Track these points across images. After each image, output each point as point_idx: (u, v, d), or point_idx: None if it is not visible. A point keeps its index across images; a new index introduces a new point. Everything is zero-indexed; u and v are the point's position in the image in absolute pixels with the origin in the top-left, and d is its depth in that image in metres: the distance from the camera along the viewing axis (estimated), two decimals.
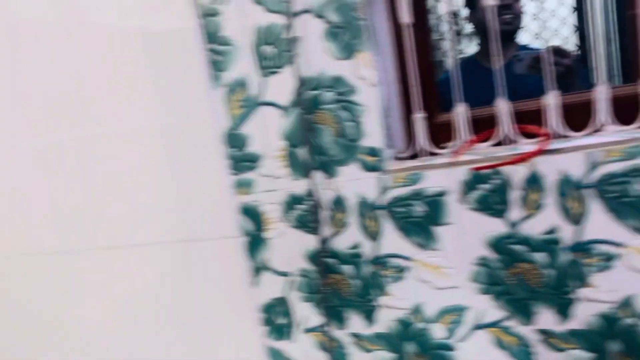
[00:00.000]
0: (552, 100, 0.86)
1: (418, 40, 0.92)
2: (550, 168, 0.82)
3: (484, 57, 1.39)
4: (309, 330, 1.03)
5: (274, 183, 0.99)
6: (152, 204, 1.09)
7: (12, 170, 1.19)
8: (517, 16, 1.36)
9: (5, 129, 1.17)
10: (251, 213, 1.01)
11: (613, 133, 0.83)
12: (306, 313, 1.03)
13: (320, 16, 0.89)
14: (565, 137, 0.86)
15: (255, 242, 1.03)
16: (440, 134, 0.95)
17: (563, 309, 0.86)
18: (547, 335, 0.88)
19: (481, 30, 1.42)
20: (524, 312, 0.89)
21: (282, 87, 0.94)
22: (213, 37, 0.96)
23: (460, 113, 0.91)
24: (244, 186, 1.01)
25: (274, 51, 0.93)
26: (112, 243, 1.14)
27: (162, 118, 1.03)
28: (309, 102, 0.93)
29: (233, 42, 0.95)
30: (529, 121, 0.89)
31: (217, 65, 0.97)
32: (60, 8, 1.06)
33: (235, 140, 0.99)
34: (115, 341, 1.21)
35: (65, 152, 1.13)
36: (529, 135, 0.88)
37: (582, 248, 0.83)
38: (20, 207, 1.21)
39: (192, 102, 1.00)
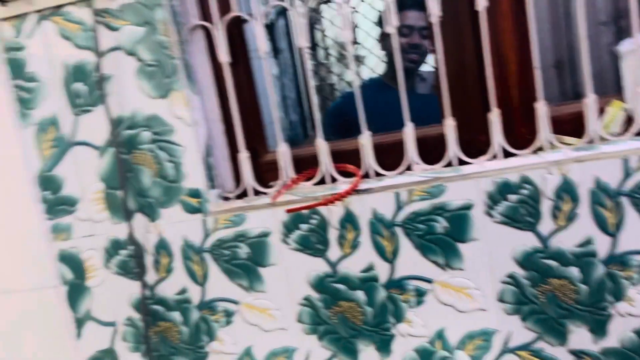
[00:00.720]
0: (366, 141, 0.87)
1: (239, 79, 0.91)
2: (364, 207, 0.84)
3: (390, 79, 1.42)
4: None
5: (93, 227, 0.92)
6: None
7: None
8: (424, 54, 1.40)
9: None
10: (70, 260, 0.94)
11: (420, 172, 0.85)
12: None
13: (131, 54, 0.86)
14: (380, 175, 0.88)
15: (77, 291, 0.95)
16: (268, 173, 0.94)
17: (384, 345, 0.87)
18: None
19: (388, 55, 1.46)
20: (348, 351, 0.89)
21: (96, 126, 0.89)
22: (18, 73, 0.89)
23: (284, 152, 0.90)
24: (61, 231, 0.93)
25: (85, 89, 0.88)
26: None
27: None
28: (125, 142, 0.89)
29: (40, 79, 0.89)
30: (352, 159, 0.90)
31: (24, 103, 0.90)
32: None
33: (48, 182, 0.92)
34: None
35: None
36: (348, 174, 0.89)
37: (396, 285, 0.85)
38: None
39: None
